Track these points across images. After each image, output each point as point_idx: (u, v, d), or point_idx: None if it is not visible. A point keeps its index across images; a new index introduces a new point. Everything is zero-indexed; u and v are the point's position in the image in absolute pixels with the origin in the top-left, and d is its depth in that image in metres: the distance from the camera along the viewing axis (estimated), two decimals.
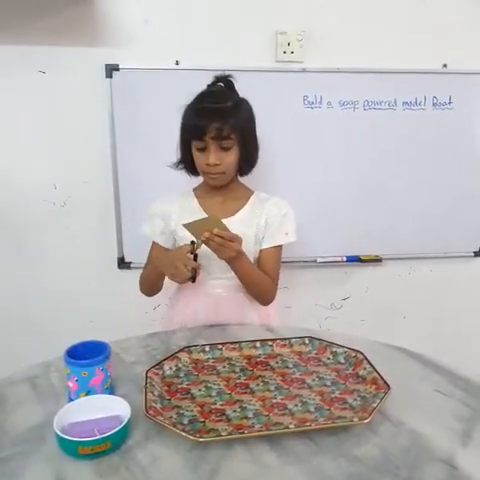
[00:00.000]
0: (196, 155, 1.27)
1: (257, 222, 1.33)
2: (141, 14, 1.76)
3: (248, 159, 1.31)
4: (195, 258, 1.20)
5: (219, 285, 1.35)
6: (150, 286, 1.39)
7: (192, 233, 1.17)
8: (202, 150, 1.24)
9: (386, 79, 1.89)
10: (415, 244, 2.07)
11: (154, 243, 1.39)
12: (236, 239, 1.16)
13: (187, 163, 1.34)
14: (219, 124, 1.19)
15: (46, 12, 1.71)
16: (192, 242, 1.19)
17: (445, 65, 1.92)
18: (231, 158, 1.25)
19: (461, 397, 0.93)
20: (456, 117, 1.95)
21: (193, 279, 1.20)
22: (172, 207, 1.36)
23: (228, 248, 1.15)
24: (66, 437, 0.75)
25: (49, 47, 1.75)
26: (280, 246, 1.35)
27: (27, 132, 1.82)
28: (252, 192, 1.40)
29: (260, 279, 1.31)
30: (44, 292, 1.96)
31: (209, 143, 1.22)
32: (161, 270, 1.26)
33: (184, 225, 1.15)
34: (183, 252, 1.19)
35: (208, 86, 1.30)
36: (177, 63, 1.80)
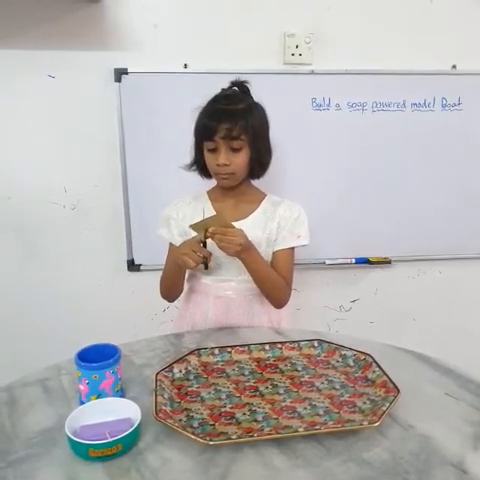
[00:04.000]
0: (207, 156, 1.28)
1: (269, 225, 1.33)
2: (149, 18, 1.78)
3: (259, 162, 1.31)
4: (205, 247, 1.21)
5: (229, 287, 1.35)
6: (170, 288, 1.39)
7: (196, 232, 1.20)
8: (213, 151, 1.25)
9: (395, 80, 1.89)
10: (424, 245, 2.06)
11: (171, 245, 1.39)
12: (237, 233, 1.17)
13: (199, 165, 1.35)
14: (229, 124, 1.20)
15: (55, 16, 1.73)
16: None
17: (454, 66, 1.91)
18: (241, 159, 1.26)
19: (472, 400, 0.93)
20: (465, 118, 1.94)
21: (205, 265, 1.23)
22: (186, 209, 1.37)
23: (231, 243, 1.16)
24: (77, 440, 0.75)
25: (58, 52, 1.77)
26: (292, 249, 1.35)
27: (36, 136, 1.84)
28: (264, 195, 1.40)
29: (273, 277, 1.30)
30: (54, 294, 1.98)
31: (219, 143, 1.23)
32: (175, 262, 1.26)
33: (190, 226, 1.19)
34: (193, 240, 1.21)
35: (222, 90, 1.31)
36: (185, 66, 1.82)
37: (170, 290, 1.40)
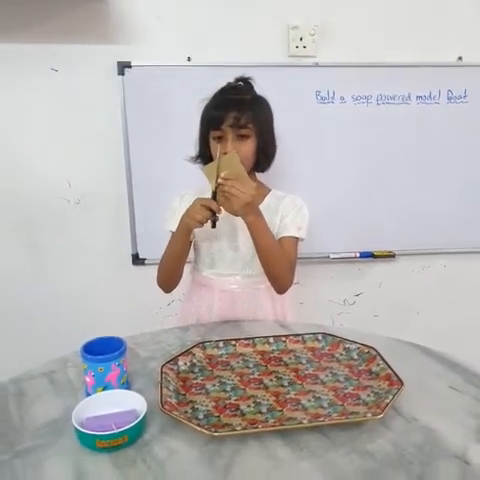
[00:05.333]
0: (213, 145, 1.27)
1: (273, 220, 1.32)
2: (153, 11, 1.77)
3: (265, 153, 1.31)
4: (214, 198, 1.17)
5: (234, 281, 1.36)
6: (168, 273, 1.35)
7: (208, 177, 1.18)
8: (219, 140, 1.25)
9: (400, 73, 1.88)
10: (429, 239, 2.05)
11: (173, 233, 1.35)
12: (250, 184, 1.15)
13: (205, 157, 1.34)
14: (237, 113, 1.21)
15: (58, 10, 1.73)
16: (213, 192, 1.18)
17: (460, 58, 1.90)
18: (248, 148, 1.26)
19: (476, 394, 0.93)
20: (471, 111, 1.92)
21: (213, 223, 1.18)
22: (191, 201, 1.36)
23: (243, 192, 1.13)
24: (85, 431, 0.76)
25: (61, 45, 1.76)
26: (296, 239, 1.33)
27: (40, 130, 1.84)
28: (269, 190, 1.40)
29: (278, 251, 1.26)
30: (58, 289, 1.99)
31: (227, 132, 1.23)
32: (183, 221, 1.22)
33: (202, 168, 1.18)
34: (204, 197, 1.19)
35: (229, 83, 1.32)
36: (189, 59, 1.81)
37: (169, 278, 1.35)
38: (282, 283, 1.31)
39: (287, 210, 1.34)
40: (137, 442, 0.79)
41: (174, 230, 1.30)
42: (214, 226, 1.19)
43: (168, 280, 1.37)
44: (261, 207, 1.33)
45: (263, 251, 1.24)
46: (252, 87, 1.31)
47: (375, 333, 1.18)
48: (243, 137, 1.24)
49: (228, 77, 1.32)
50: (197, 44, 1.81)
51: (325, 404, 0.89)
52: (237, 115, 1.21)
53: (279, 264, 1.27)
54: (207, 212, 1.16)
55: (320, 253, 2.01)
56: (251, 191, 1.15)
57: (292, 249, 1.32)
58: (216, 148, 1.25)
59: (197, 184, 1.39)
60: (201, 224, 1.18)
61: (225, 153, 1.20)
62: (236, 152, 1.21)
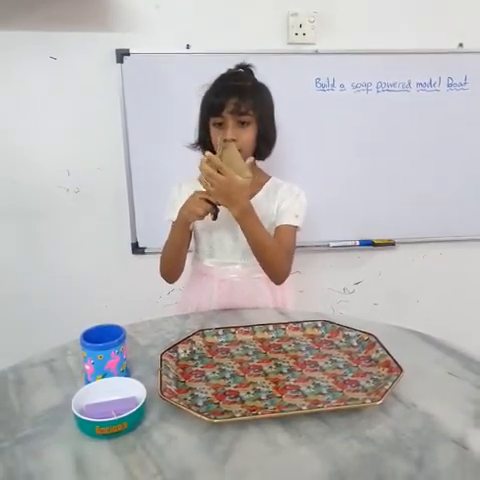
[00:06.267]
0: (213, 132, 1.26)
1: (271, 207, 1.32)
2: None
3: (266, 140, 1.30)
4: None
5: (233, 270, 1.36)
6: (170, 263, 1.34)
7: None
8: (220, 127, 1.24)
9: (400, 60, 1.86)
10: (429, 227, 2.05)
11: (173, 223, 1.34)
12: (223, 182, 1.12)
13: (205, 144, 1.33)
14: (238, 100, 1.20)
15: None
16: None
17: (461, 44, 1.88)
18: (248, 135, 1.25)
19: (475, 380, 0.93)
20: (471, 97, 1.90)
21: (214, 215, 1.18)
22: (190, 191, 1.35)
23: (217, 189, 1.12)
24: (84, 418, 0.77)
25: (60, 33, 1.74)
26: (292, 226, 1.32)
27: (38, 118, 1.83)
28: (269, 177, 1.39)
29: (270, 242, 1.25)
30: (59, 278, 1.99)
31: (227, 118, 1.22)
32: (182, 214, 1.22)
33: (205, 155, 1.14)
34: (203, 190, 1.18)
35: (229, 69, 1.31)
36: (188, 47, 1.79)
37: (172, 268, 1.35)
38: (278, 279, 1.31)
39: (285, 197, 1.34)
40: (137, 429, 0.79)
41: (174, 220, 1.30)
42: (215, 218, 1.19)
43: (170, 270, 1.37)
44: (260, 194, 1.33)
45: (257, 250, 1.24)
46: (252, 74, 1.31)
47: (375, 321, 1.18)
48: (244, 124, 1.23)
49: (227, 65, 1.31)
50: (196, 32, 1.79)
51: (324, 391, 0.89)
52: (238, 102, 1.20)
53: (274, 260, 1.26)
54: (207, 205, 1.16)
55: (320, 241, 2.00)
56: (222, 189, 1.12)
57: (289, 237, 1.32)
58: (217, 134, 1.24)
59: (196, 172, 1.38)
60: (201, 217, 1.18)
61: (226, 140, 1.19)
62: (236, 141, 1.20)
